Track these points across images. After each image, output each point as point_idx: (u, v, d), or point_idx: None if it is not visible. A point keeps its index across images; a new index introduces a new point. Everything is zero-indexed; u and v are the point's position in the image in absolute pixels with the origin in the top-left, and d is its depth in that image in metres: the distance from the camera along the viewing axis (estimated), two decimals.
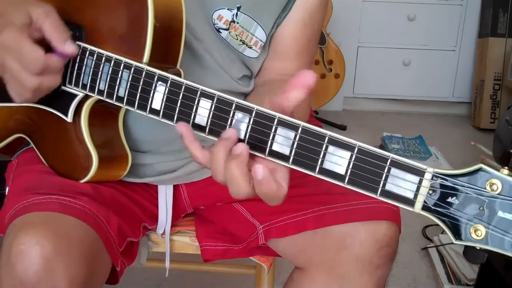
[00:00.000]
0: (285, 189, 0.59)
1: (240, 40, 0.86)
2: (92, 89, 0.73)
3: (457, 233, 0.53)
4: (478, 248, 0.53)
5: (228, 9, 0.84)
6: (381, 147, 2.54)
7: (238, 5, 0.84)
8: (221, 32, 0.85)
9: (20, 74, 0.68)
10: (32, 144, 0.85)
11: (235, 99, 0.61)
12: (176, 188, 0.94)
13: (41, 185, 0.77)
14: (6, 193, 0.86)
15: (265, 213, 0.85)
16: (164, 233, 0.93)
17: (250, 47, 0.87)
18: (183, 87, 0.64)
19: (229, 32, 0.85)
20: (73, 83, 0.75)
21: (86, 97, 0.75)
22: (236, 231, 0.91)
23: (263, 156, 0.59)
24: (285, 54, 0.91)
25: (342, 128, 2.93)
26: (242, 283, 1.55)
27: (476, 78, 3.15)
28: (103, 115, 0.79)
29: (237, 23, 0.85)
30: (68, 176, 0.80)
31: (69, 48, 0.70)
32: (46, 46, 0.69)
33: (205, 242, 0.92)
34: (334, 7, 2.84)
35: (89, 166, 0.78)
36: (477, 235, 0.52)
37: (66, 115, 0.76)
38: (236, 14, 0.85)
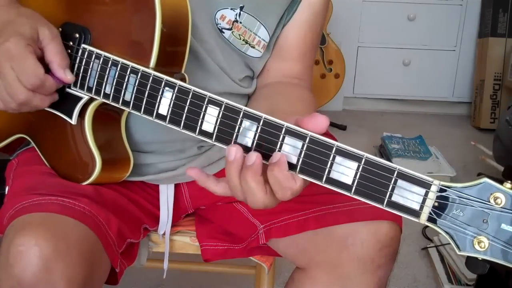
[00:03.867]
0: (298, 182, 0.59)
1: (243, 40, 0.86)
2: (97, 92, 0.73)
3: (461, 244, 0.55)
4: (480, 259, 0.54)
5: (231, 9, 0.84)
6: (381, 147, 2.53)
7: (241, 5, 0.84)
8: (224, 32, 0.85)
9: (13, 84, 0.70)
10: (33, 145, 0.85)
11: (243, 107, 0.61)
12: (177, 188, 0.94)
13: (42, 186, 0.77)
14: (6, 193, 0.85)
15: (266, 213, 0.85)
16: (165, 233, 0.93)
17: (253, 47, 0.87)
18: (191, 93, 0.64)
19: (232, 32, 0.85)
20: (78, 86, 0.75)
21: (90, 100, 0.75)
22: (236, 231, 0.91)
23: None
24: (289, 55, 0.91)
25: (342, 128, 2.92)
26: (242, 283, 1.55)
27: (476, 78, 3.15)
28: (106, 118, 0.79)
29: (240, 22, 0.85)
30: (70, 177, 0.80)
31: (67, 75, 0.73)
32: (45, 67, 0.71)
33: (205, 242, 0.92)
34: (334, 7, 2.84)
35: (92, 168, 0.78)
36: (481, 247, 0.54)
37: (71, 117, 0.76)
38: (239, 13, 0.84)
